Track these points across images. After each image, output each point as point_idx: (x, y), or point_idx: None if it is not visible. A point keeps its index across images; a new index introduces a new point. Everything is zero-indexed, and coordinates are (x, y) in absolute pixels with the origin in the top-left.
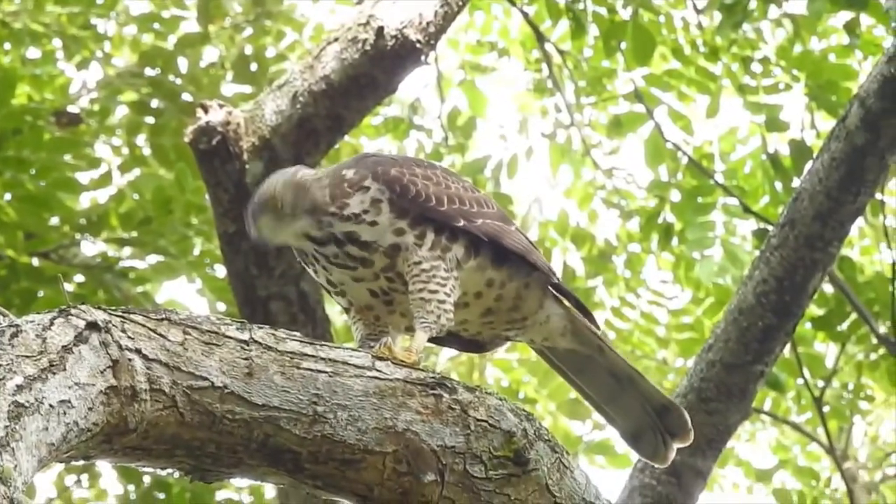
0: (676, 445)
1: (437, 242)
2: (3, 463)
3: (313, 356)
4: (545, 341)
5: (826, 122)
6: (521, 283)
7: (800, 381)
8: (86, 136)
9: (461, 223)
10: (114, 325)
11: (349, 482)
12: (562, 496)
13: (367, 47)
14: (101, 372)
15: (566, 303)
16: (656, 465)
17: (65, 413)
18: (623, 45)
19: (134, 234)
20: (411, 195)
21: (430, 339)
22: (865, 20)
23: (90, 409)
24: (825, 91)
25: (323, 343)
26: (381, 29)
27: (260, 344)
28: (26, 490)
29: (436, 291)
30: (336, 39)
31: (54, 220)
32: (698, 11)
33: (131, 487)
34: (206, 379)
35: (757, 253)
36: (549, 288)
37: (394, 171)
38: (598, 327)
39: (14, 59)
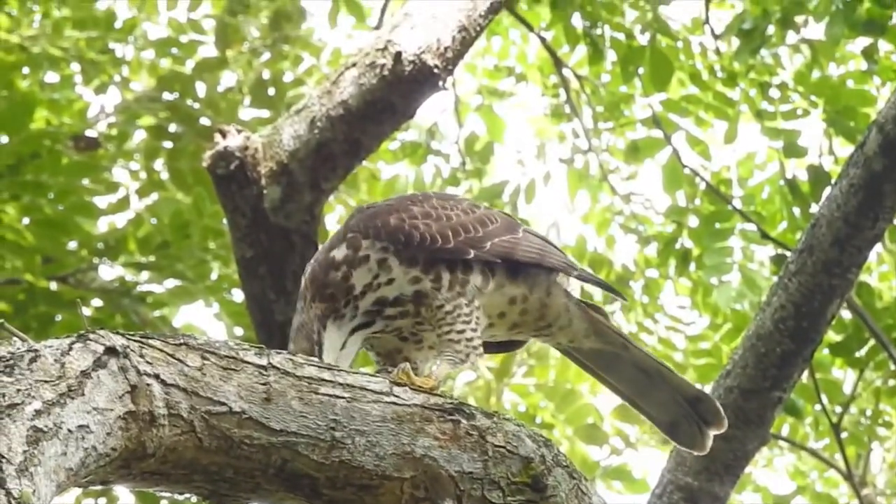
0: (712, 433)
1: (454, 280)
2: (21, 488)
3: (331, 381)
4: (571, 343)
5: (844, 148)
6: (543, 293)
7: (818, 406)
8: (104, 161)
9: (472, 255)
10: (132, 350)
11: None
12: None
13: (385, 72)
14: (120, 397)
15: (588, 309)
16: (695, 453)
17: (83, 438)
18: (641, 71)
19: (151, 258)
20: (416, 242)
21: None
22: (884, 45)
23: (108, 434)
24: (843, 117)
25: (340, 368)
26: (398, 54)
27: (278, 369)
28: None
29: (463, 331)
30: (354, 65)
31: (72, 245)
32: (716, 37)
33: None
34: (224, 404)
35: (775, 279)
36: (570, 292)
37: (393, 221)
38: (624, 298)
39: (32, 84)
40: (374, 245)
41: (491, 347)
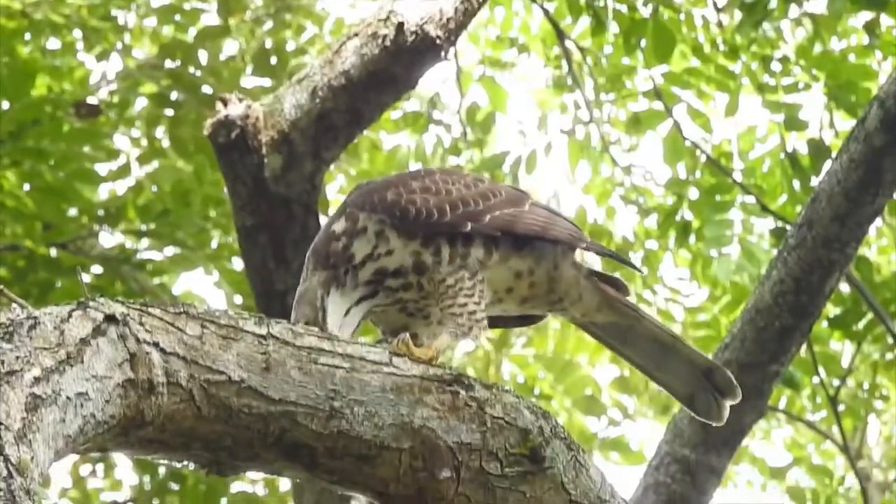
0: (728, 403)
1: (454, 254)
2: (20, 454)
3: (331, 351)
4: (584, 317)
5: (845, 122)
6: (551, 266)
7: (815, 379)
8: (105, 128)
9: (469, 227)
10: (132, 318)
11: (365, 478)
12: (577, 494)
13: (387, 43)
14: (119, 365)
15: (598, 281)
16: (714, 424)
17: (82, 405)
18: (643, 43)
19: (152, 225)
20: (412, 216)
21: None
22: (886, 20)
23: (107, 401)
24: (844, 91)
25: (340, 338)
26: (401, 24)
27: (277, 339)
28: (42, 481)
29: (465, 304)
30: (356, 34)
31: (72, 212)
32: (718, 10)
33: (146, 478)
34: (223, 373)
35: (774, 251)
36: (580, 265)
37: (390, 196)
38: (637, 268)
39: (34, 50)
40: (370, 217)
41: (511, 321)
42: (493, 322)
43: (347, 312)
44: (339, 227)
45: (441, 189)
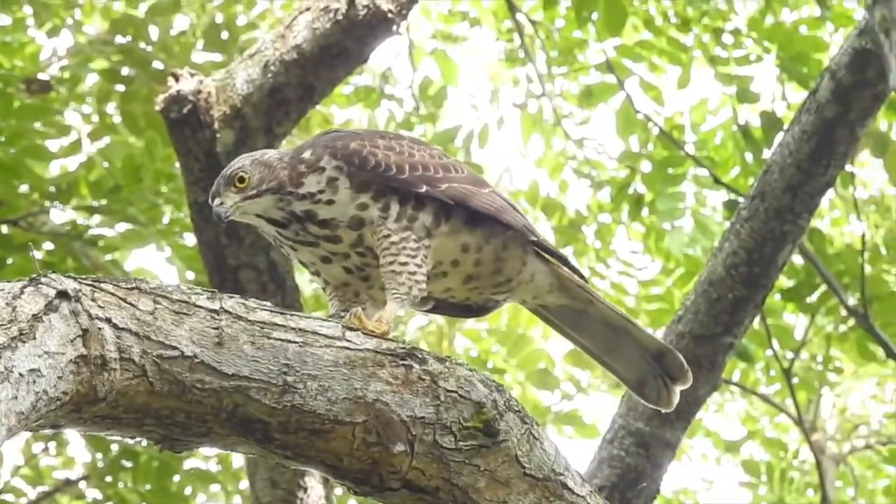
0: (678, 388)
1: (402, 213)
2: None
3: (283, 326)
4: (535, 300)
5: (797, 94)
6: (499, 245)
7: (769, 352)
8: (56, 104)
9: (423, 189)
10: (84, 294)
11: (319, 452)
12: (531, 467)
13: (339, 17)
14: (71, 341)
15: (549, 258)
16: (663, 410)
17: (34, 382)
18: (595, 16)
19: (103, 201)
20: (370, 166)
21: (424, 309)
22: None
23: (60, 378)
24: (796, 63)
25: (293, 313)
26: None
27: (230, 313)
28: None
29: (406, 263)
30: (308, 9)
31: (24, 188)
32: None
33: (99, 456)
34: (175, 348)
35: (727, 224)
36: (531, 245)
37: (353, 145)
38: (584, 279)
39: None
40: (330, 162)
41: (460, 311)
42: (435, 308)
43: (248, 214)
44: (306, 155)
45: (405, 151)
